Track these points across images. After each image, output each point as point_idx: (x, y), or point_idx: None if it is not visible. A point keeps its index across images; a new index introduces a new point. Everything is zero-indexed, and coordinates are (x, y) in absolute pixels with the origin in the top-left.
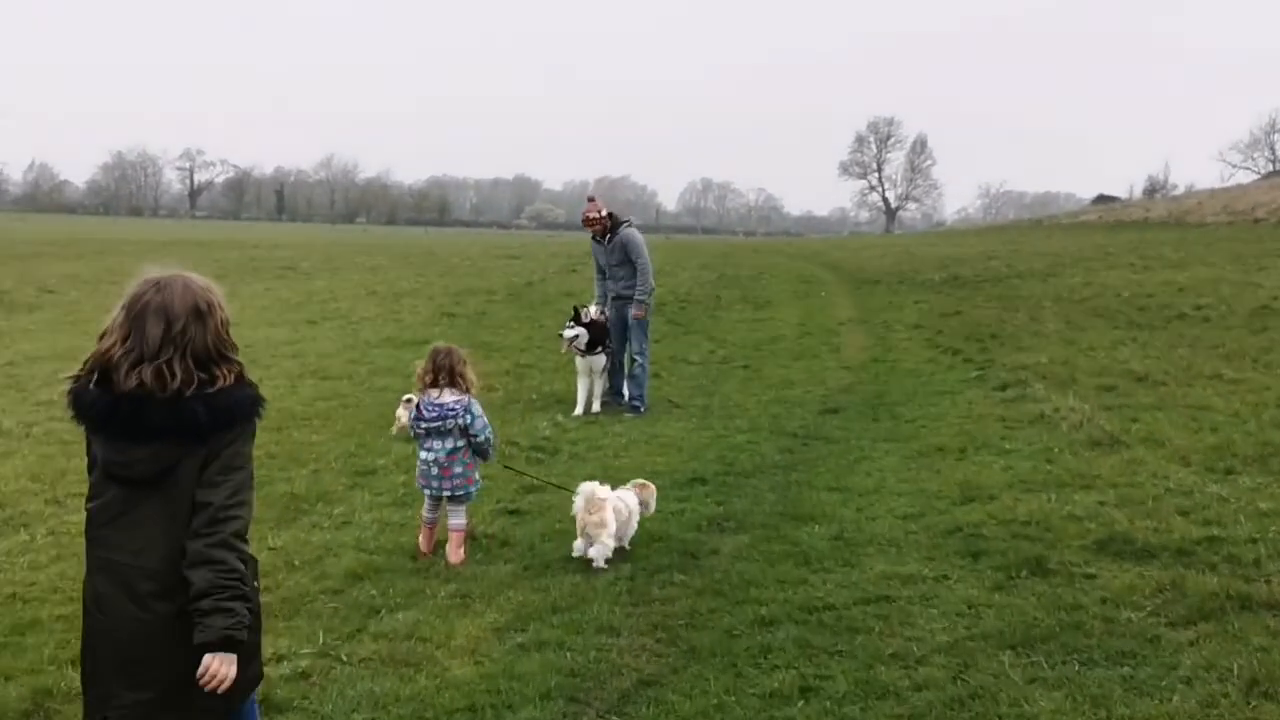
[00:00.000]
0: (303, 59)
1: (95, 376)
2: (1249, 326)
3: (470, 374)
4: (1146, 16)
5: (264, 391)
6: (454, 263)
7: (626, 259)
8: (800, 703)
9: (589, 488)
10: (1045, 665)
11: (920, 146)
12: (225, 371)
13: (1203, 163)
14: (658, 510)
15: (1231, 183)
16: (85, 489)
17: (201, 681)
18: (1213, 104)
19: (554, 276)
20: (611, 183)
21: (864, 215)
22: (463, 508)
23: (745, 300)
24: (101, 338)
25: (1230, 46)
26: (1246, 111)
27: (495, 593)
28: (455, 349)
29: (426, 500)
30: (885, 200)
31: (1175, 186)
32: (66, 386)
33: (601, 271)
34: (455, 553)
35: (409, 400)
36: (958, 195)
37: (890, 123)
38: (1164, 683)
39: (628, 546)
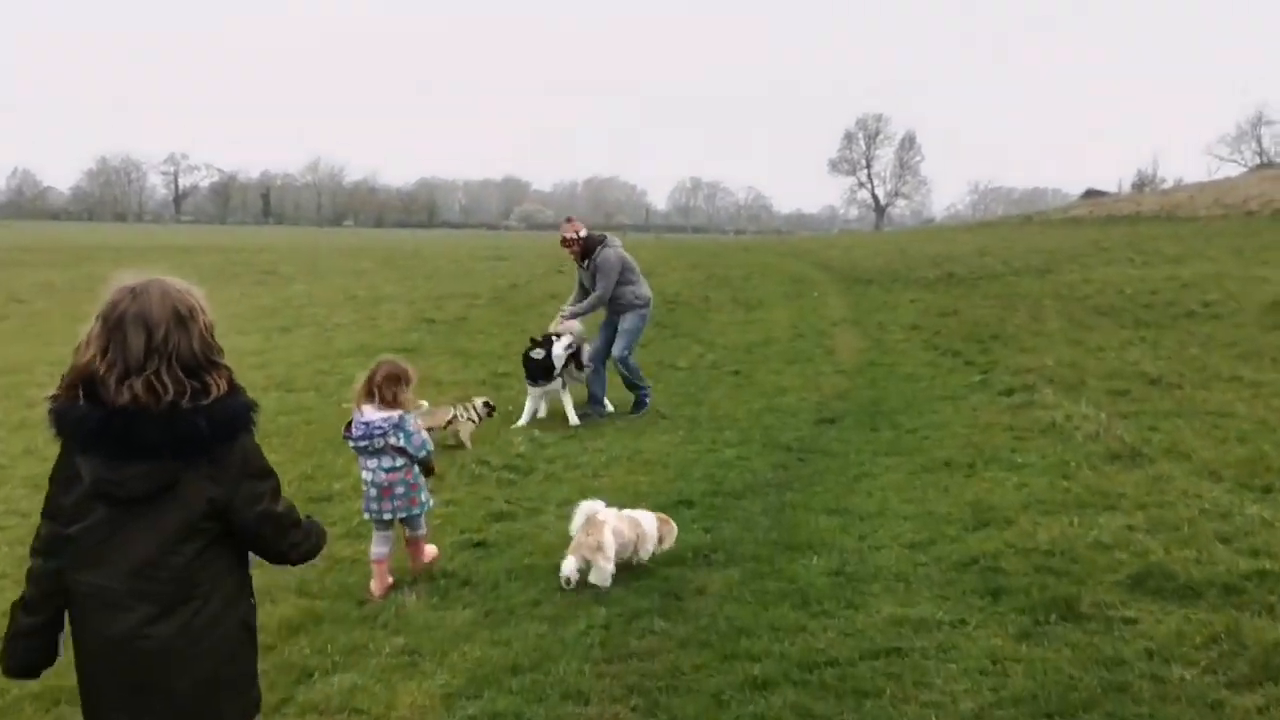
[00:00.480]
0: (289, 62)
1: (81, 392)
2: (1261, 324)
3: (404, 393)
4: (1130, 9)
5: None
6: (438, 265)
7: None
8: None
9: (590, 506)
10: None
11: (909, 143)
12: (217, 378)
13: (1190, 156)
14: None
15: (1219, 175)
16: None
17: None
18: (1197, 99)
19: (540, 279)
20: (601, 183)
21: (853, 212)
22: (420, 518)
23: (735, 301)
24: (78, 351)
25: (1215, 43)
26: (1231, 105)
27: (449, 647)
28: (398, 363)
29: (375, 534)
30: (875, 197)
31: (1164, 180)
32: (48, 407)
33: (584, 289)
34: (418, 560)
35: None
36: (947, 192)
37: (879, 119)
38: None
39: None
